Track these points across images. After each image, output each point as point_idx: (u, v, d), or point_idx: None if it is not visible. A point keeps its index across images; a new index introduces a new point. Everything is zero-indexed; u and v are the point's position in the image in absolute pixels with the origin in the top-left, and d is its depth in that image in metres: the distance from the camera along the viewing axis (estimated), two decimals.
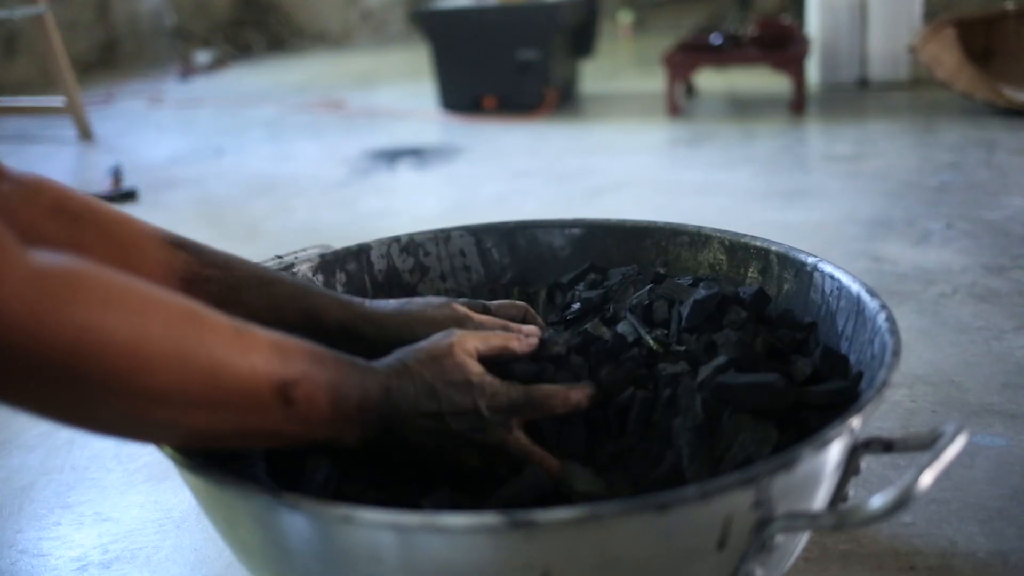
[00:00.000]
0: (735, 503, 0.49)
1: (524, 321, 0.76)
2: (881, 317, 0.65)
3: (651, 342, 0.72)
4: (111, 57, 5.03)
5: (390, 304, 0.72)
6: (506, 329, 0.70)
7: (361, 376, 0.57)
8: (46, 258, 0.43)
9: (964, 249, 1.43)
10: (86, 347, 0.43)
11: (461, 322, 0.70)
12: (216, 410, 0.49)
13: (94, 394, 0.45)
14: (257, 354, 0.51)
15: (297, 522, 0.51)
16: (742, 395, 0.61)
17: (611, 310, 0.79)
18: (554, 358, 0.69)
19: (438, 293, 0.93)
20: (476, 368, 0.61)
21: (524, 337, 0.69)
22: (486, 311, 0.74)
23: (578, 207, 1.85)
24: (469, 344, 0.62)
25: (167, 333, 0.47)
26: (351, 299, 0.72)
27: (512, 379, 0.64)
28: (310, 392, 0.53)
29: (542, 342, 0.70)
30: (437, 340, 0.62)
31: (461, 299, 0.74)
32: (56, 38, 2.90)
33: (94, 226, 0.62)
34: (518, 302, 0.78)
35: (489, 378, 0.61)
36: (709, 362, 0.66)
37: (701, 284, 0.78)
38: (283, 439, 0.54)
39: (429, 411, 0.58)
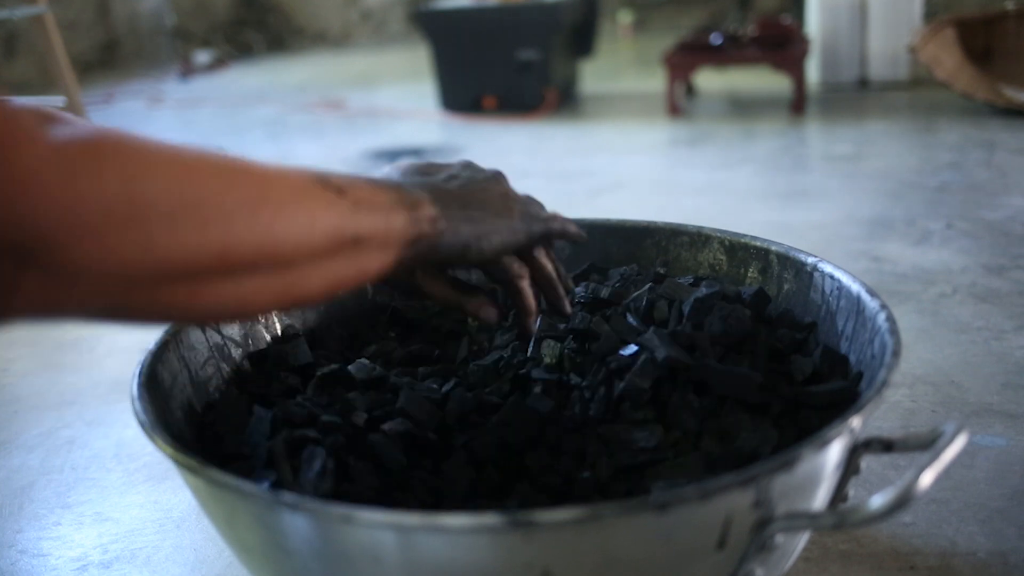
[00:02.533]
0: (735, 503, 0.49)
1: None
2: (881, 317, 0.65)
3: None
4: (111, 57, 5.03)
5: None
6: None
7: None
8: (69, 129, 0.41)
9: (964, 249, 1.43)
10: (137, 184, 0.41)
11: None
12: (275, 210, 0.47)
13: (154, 226, 0.41)
14: (290, 169, 0.51)
15: (297, 522, 0.51)
16: (720, 380, 0.63)
17: (611, 310, 0.79)
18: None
19: None
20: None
21: None
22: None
23: (578, 207, 1.85)
24: None
25: (210, 159, 0.45)
26: None
27: None
28: (346, 180, 0.53)
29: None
30: None
31: None
32: (56, 38, 2.90)
33: None
34: None
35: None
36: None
37: (702, 284, 0.78)
38: (362, 230, 0.52)
39: (463, 177, 0.62)
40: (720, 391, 0.63)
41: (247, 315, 0.52)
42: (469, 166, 0.65)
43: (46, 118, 0.42)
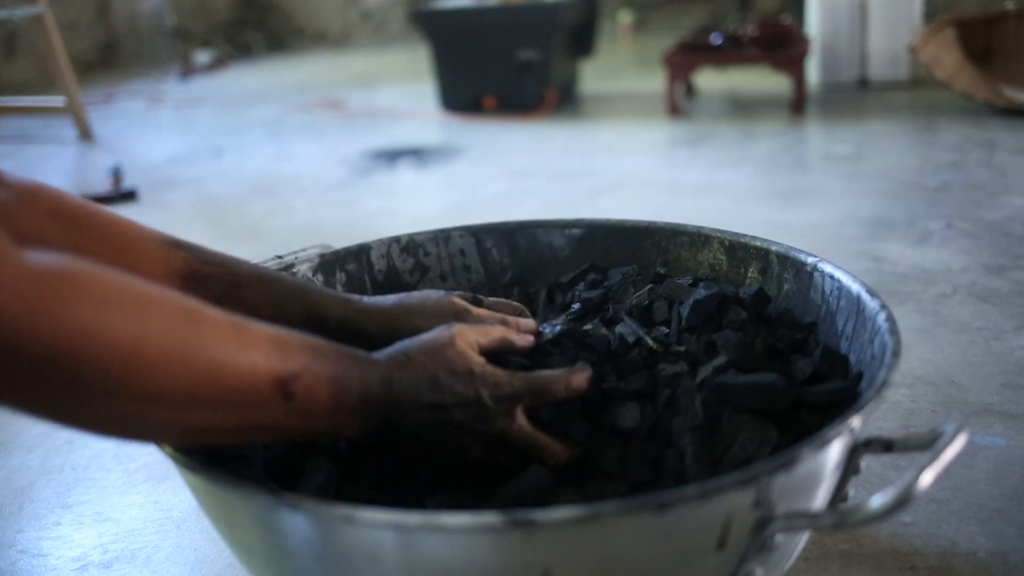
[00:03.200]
0: (735, 503, 0.49)
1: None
2: (881, 317, 0.65)
3: (650, 342, 0.72)
4: (111, 57, 5.03)
5: (389, 299, 0.72)
6: (504, 323, 0.71)
7: (361, 368, 0.56)
8: (41, 258, 0.43)
9: (964, 249, 1.43)
10: (84, 347, 0.43)
11: (460, 316, 0.71)
12: (216, 408, 0.49)
13: (92, 394, 0.44)
14: (256, 350, 0.51)
15: (297, 522, 0.51)
16: (742, 395, 0.61)
17: (611, 310, 0.79)
18: (549, 342, 0.70)
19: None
20: (478, 359, 0.61)
21: (522, 332, 0.70)
22: (478, 303, 0.75)
23: (578, 207, 1.85)
24: (470, 336, 0.63)
25: (165, 332, 0.46)
26: (350, 296, 0.72)
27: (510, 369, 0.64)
28: (311, 386, 0.53)
29: (538, 335, 0.71)
30: (438, 332, 0.62)
31: (456, 292, 0.75)
32: (56, 38, 2.90)
33: (93, 228, 0.62)
34: (514, 303, 0.78)
35: (491, 368, 0.61)
36: (709, 362, 0.66)
37: (701, 284, 0.78)
38: (284, 433, 0.54)
39: (431, 402, 0.58)
40: (746, 407, 0.62)
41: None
42: (475, 405, 0.60)
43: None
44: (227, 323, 0.51)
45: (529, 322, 0.73)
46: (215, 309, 0.51)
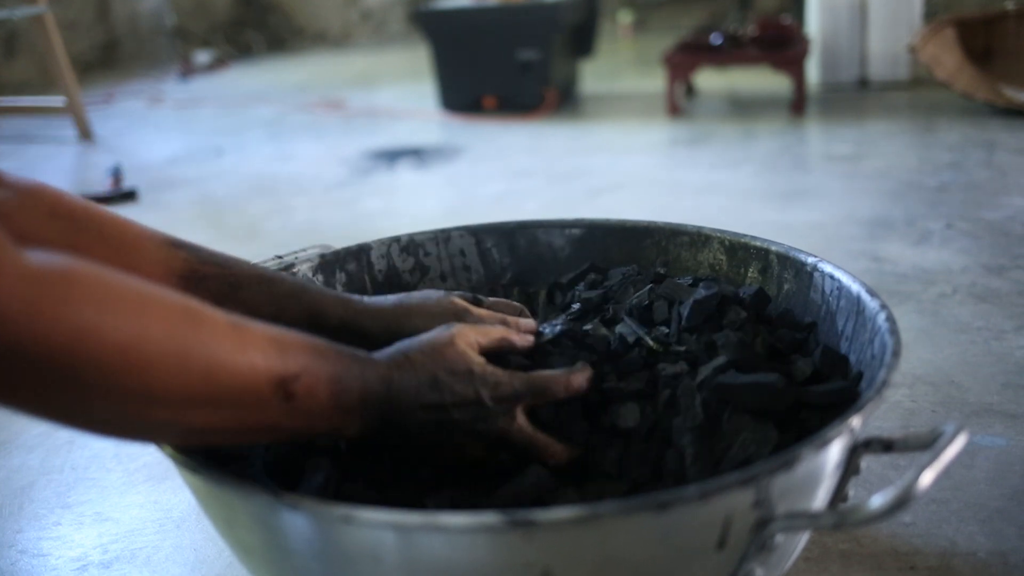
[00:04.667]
0: (735, 503, 0.49)
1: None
2: (881, 317, 0.65)
3: (650, 342, 0.72)
4: (111, 57, 5.03)
5: (389, 299, 0.73)
6: (504, 323, 0.71)
7: (361, 368, 0.57)
8: (42, 258, 0.43)
9: (964, 249, 1.43)
10: (83, 347, 0.43)
11: (460, 316, 0.71)
12: (216, 407, 0.49)
13: (91, 394, 0.45)
14: (255, 350, 0.51)
15: (297, 522, 0.51)
16: (742, 395, 0.61)
17: (611, 310, 0.79)
18: (549, 342, 0.70)
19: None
20: (478, 359, 0.61)
21: (522, 331, 0.70)
22: (478, 303, 0.75)
23: (578, 207, 1.85)
24: (470, 336, 0.63)
25: (165, 332, 0.47)
26: (350, 296, 0.72)
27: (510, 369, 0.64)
28: (311, 386, 0.53)
29: (538, 335, 0.71)
30: (438, 332, 0.62)
31: (457, 292, 0.75)
32: (56, 38, 2.90)
33: (93, 228, 0.63)
34: (514, 303, 0.78)
35: (491, 368, 0.61)
36: (709, 362, 0.66)
37: (701, 284, 0.78)
38: (284, 433, 0.54)
39: (431, 402, 0.58)
40: (746, 406, 0.62)
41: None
42: (472, 405, 0.60)
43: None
44: (227, 323, 0.51)
45: (529, 322, 0.73)
46: (215, 309, 0.51)
